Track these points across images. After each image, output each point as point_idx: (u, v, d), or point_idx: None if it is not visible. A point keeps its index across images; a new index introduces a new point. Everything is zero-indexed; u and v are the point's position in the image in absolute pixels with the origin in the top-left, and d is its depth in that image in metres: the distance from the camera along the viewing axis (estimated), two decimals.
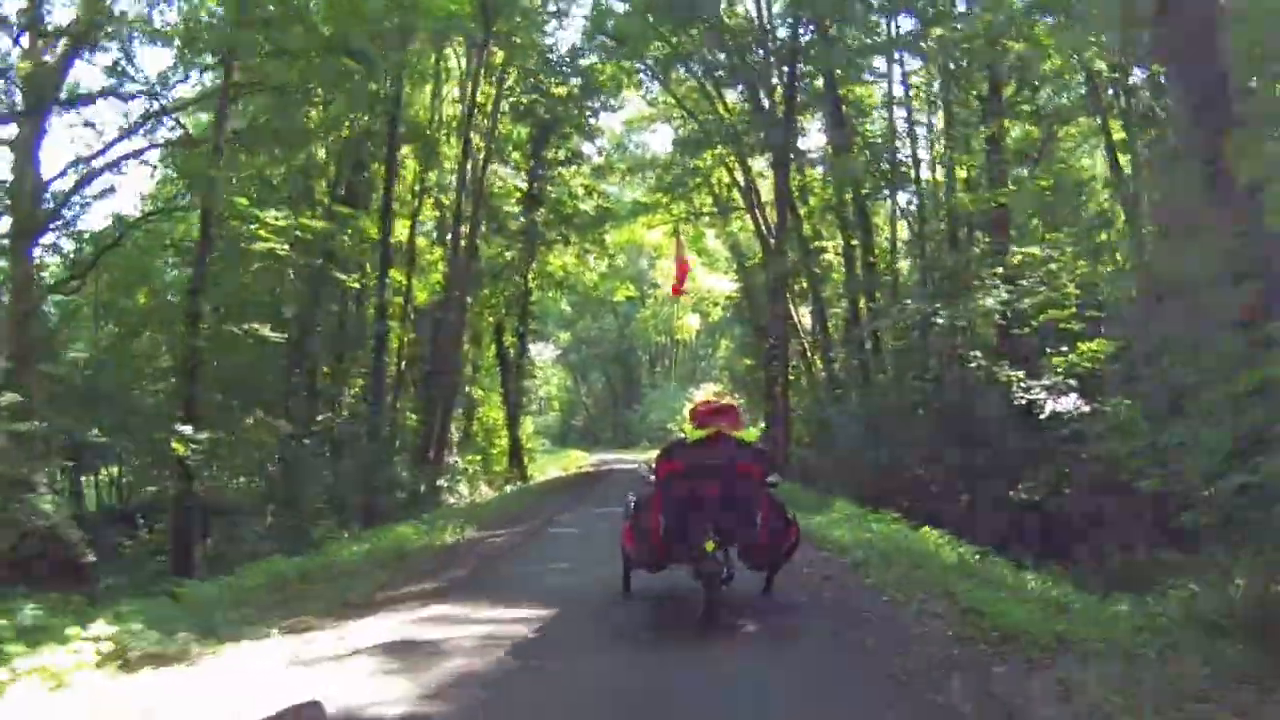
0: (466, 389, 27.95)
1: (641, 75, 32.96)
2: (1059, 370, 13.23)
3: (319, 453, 18.38)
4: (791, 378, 27.56)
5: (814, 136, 31.26)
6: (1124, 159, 16.62)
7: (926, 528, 10.33)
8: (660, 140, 50.95)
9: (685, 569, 6.87)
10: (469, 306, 26.42)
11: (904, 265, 26.02)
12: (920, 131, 24.31)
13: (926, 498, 15.87)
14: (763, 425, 30.78)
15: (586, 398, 72.00)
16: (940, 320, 15.40)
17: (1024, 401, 13.51)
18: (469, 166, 24.47)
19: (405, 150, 26.76)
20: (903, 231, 28.89)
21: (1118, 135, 16.38)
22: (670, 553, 6.90)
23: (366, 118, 21.14)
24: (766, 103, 26.63)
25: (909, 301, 18.03)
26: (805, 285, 28.25)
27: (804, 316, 30.06)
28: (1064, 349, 13.49)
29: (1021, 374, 13.71)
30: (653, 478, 7.12)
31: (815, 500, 14.32)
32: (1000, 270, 15.25)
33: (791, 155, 25.26)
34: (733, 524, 6.64)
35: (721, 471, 6.70)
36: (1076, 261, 13.82)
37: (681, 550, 6.72)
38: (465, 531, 13.03)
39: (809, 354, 30.49)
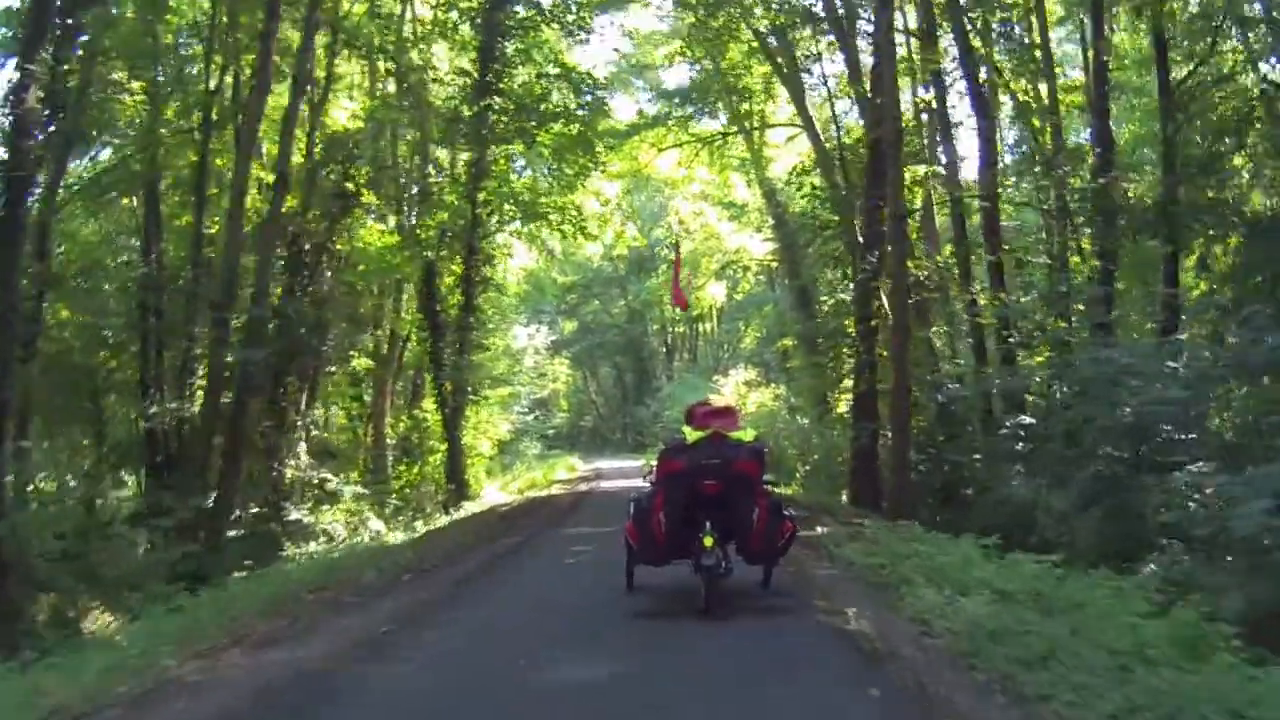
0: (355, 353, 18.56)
1: None
2: None
3: None
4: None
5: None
6: None
7: None
8: (676, 76, 41.87)
9: (687, 564, 7.08)
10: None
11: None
12: None
13: None
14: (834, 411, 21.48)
15: (596, 395, 62.64)
16: None
17: None
18: None
19: None
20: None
21: None
22: (671, 549, 7.17)
23: None
24: None
25: None
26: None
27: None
28: None
29: None
30: (653, 478, 7.41)
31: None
32: None
33: None
34: (730, 521, 6.98)
35: (719, 471, 6.96)
36: None
37: (682, 547, 7.03)
38: None
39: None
